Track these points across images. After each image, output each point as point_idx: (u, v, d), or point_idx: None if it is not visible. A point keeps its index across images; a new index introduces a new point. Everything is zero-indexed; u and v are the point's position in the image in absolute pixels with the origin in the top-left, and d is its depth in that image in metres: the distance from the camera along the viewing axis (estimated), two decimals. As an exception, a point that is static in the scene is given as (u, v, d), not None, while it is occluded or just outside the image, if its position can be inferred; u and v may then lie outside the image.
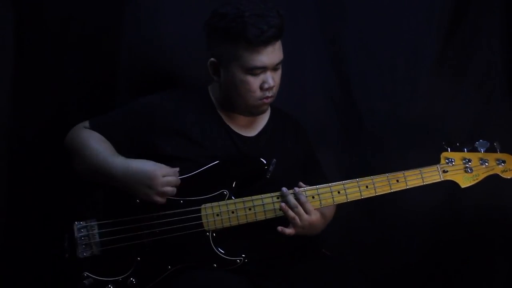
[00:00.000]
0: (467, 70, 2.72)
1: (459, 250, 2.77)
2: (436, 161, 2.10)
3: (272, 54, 1.97)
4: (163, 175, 1.92)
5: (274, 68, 2.02)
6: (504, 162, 2.10)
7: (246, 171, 2.02)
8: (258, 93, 2.01)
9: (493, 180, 2.15)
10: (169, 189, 1.92)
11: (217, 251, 1.95)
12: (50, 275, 2.19)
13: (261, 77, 2.00)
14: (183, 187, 1.97)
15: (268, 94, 2.02)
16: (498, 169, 2.11)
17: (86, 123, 2.11)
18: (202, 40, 2.09)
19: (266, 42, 1.94)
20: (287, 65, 2.12)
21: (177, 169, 1.97)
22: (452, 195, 2.73)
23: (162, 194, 1.92)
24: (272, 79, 2.00)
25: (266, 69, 1.99)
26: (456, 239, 2.78)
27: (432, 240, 2.79)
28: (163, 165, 1.94)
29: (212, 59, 2.04)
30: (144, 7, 2.50)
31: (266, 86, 2.00)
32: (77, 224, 1.98)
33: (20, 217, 2.42)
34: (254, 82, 1.99)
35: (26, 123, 2.42)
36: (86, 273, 1.96)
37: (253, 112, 2.08)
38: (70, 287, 1.97)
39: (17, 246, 2.41)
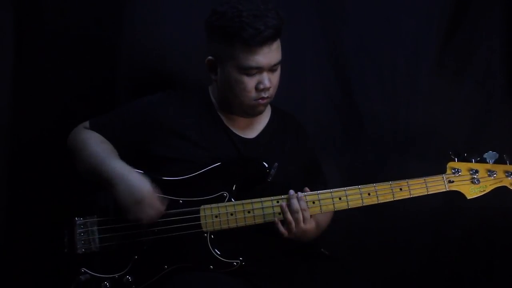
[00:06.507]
0: (467, 70, 2.71)
1: (460, 252, 2.77)
2: (437, 162, 2.08)
3: (268, 55, 1.96)
4: (152, 199, 1.91)
5: (271, 69, 1.99)
6: None
7: (247, 174, 2.01)
8: (253, 94, 2.00)
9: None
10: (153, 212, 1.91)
11: (214, 252, 1.94)
12: (48, 269, 2.20)
13: (257, 77, 1.98)
14: (183, 188, 1.97)
15: (264, 95, 2.00)
16: (506, 181, 2.02)
17: (87, 124, 2.11)
18: (202, 41, 2.08)
19: (262, 42, 1.93)
20: (288, 67, 2.11)
21: (163, 207, 1.95)
22: (453, 197, 2.73)
23: (147, 214, 1.90)
24: (268, 80, 1.98)
25: (262, 69, 1.97)
26: (457, 241, 2.77)
27: (433, 242, 2.78)
28: (155, 191, 1.92)
29: (210, 57, 2.03)
30: (144, 7, 2.50)
31: (261, 86, 1.98)
32: (77, 220, 1.98)
33: (21, 212, 2.43)
34: (249, 82, 1.98)
35: (26, 123, 2.43)
36: (83, 269, 1.96)
37: (249, 112, 2.07)
38: (67, 282, 1.97)
39: (18, 240, 2.42)
